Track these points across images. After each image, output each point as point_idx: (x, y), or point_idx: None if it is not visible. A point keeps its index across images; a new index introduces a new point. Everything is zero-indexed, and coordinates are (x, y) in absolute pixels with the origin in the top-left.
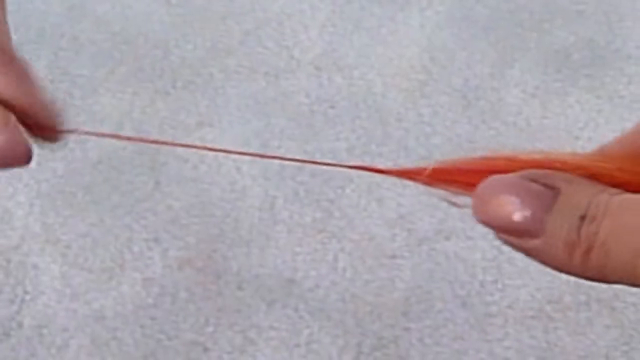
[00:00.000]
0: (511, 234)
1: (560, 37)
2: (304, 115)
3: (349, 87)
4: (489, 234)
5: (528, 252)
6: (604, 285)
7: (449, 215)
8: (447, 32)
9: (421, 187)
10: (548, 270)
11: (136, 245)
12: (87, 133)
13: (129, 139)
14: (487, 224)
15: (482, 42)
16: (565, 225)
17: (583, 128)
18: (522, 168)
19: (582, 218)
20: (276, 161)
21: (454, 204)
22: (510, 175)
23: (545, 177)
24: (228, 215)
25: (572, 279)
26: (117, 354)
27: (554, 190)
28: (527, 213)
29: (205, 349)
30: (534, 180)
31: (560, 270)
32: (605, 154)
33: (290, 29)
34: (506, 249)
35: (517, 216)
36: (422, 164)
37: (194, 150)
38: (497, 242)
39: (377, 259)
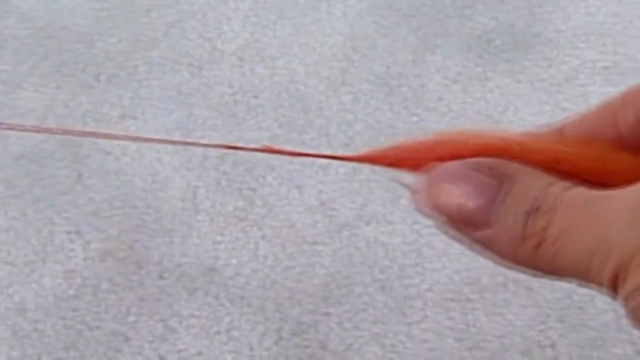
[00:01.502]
0: (455, 225)
1: (482, 23)
2: (226, 105)
3: (271, 77)
4: (409, 218)
5: (475, 244)
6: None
7: (370, 200)
8: (369, 20)
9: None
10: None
11: (58, 238)
12: (10, 127)
13: (51, 131)
14: (432, 213)
15: (403, 29)
16: (512, 216)
17: (503, 112)
18: (475, 152)
19: (530, 211)
20: (199, 151)
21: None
22: (456, 163)
23: (493, 166)
24: (150, 206)
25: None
26: (39, 345)
27: (502, 180)
28: (472, 204)
29: (127, 339)
30: (482, 169)
31: (509, 263)
32: (564, 135)
33: (213, 21)
34: (426, 232)
35: (461, 207)
36: (348, 150)
37: (119, 142)
38: (417, 226)
39: (298, 245)
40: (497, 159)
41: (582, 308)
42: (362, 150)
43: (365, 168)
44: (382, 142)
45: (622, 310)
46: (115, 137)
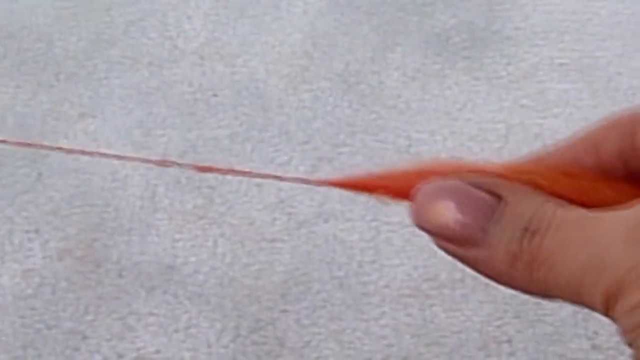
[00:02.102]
0: (449, 242)
1: (441, 21)
2: (186, 103)
3: (231, 75)
4: (368, 215)
5: (467, 262)
6: None
7: (328, 198)
8: (329, 18)
9: (301, 172)
10: (425, 248)
11: (16, 237)
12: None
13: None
14: (424, 230)
15: (364, 27)
16: (507, 236)
17: (461, 109)
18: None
19: (526, 230)
20: (159, 149)
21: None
22: (451, 179)
23: (488, 184)
24: (109, 205)
25: (449, 257)
26: None
27: (497, 198)
28: (467, 221)
29: (84, 337)
30: (477, 187)
31: (501, 283)
32: (544, 163)
33: (174, 19)
34: (384, 229)
35: (455, 224)
36: (307, 147)
37: (79, 140)
38: (375, 223)
39: (257, 243)
40: (493, 178)
41: (539, 303)
42: (339, 170)
43: (325, 166)
44: (342, 140)
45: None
46: (91, 154)
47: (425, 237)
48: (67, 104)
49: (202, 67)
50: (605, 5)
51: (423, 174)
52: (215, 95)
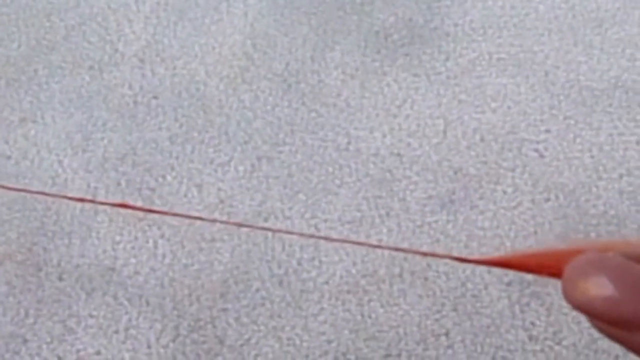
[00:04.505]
0: (606, 323)
1: (380, 19)
2: (127, 106)
3: (172, 78)
4: (307, 213)
5: (632, 348)
6: (417, 257)
7: (268, 197)
8: (269, 19)
9: (241, 172)
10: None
11: None
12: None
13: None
14: (576, 308)
15: (304, 27)
16: None
17: (400, 106)
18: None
19: None
20: (99, 152)
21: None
22: (607, 253)
23: None
24: (49, 209)
25: (387, 251)
26: None
27: None
28: (626, 299)
29: (25, 341)
30: (635, 259)
31: None
32: None
33: (114, 23)
34: (323, 226)
35: (610, 302)
36: (247, 147)
37: (19, 145)
38: (314, 221)
39: (197, 243)
40: None
41: (476, 296)
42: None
43: (265, 165)
44: (282, 139)
45: (515, 297)
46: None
47: (363, 233)
48: (8, 109)
49: (143, 70)
50: (543, 0)
51: (577, 251)
52: (155, 98)
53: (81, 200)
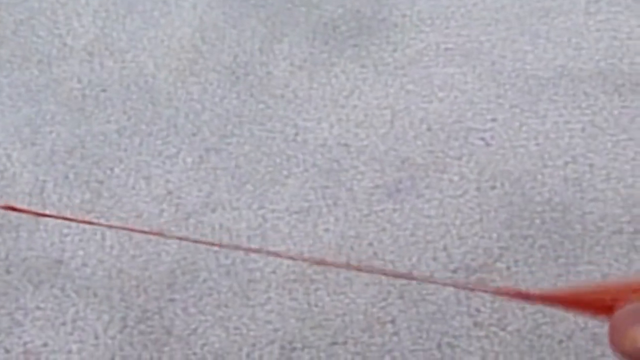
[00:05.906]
0: None
1: (329, 11)
2: (75, 100)
3: (120, 71)
4: (255, 203)
5: None
6: (364, 246)
7: (216, 188)
8: (218, 12)
9: (189, 163)
10: (310, 234)
11: None
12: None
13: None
14: (624, 356)
15: (252, 20)
16: None
17: (348, 96)
18: None
19: None
20: (47, 146)
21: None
22: None
23: None
24: None
25: (334, 241)
26: None
27: None
28: None
29: None
30: None
31: None
32: None
33: (63, 17)
34: (270, 217)
35: None
36: (195, 139)
37: None
38: (262, 211)
39: (145, 234)
40: None
41: (421, 284)
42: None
43: (213, 157)
44: (230, 131)
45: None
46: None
47: (311, 223)
48: None
49: (91, 63)
50: None
51: (623, 291)
52: (104, 91)
53: None
